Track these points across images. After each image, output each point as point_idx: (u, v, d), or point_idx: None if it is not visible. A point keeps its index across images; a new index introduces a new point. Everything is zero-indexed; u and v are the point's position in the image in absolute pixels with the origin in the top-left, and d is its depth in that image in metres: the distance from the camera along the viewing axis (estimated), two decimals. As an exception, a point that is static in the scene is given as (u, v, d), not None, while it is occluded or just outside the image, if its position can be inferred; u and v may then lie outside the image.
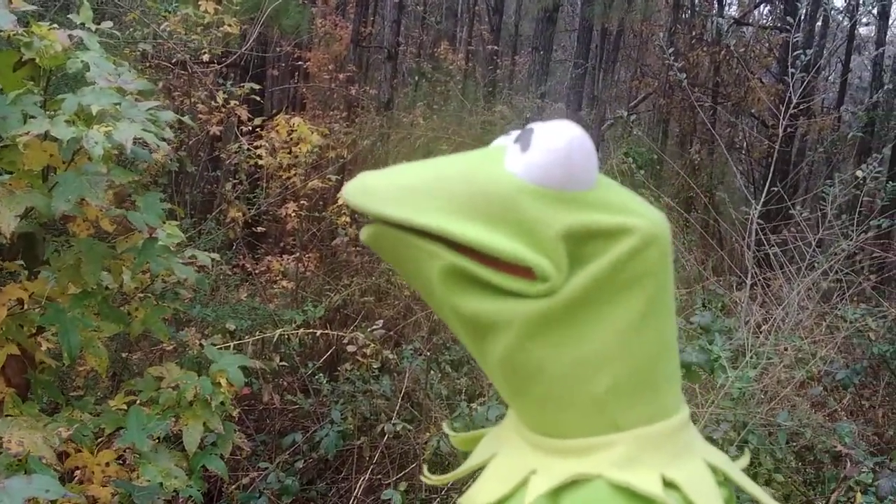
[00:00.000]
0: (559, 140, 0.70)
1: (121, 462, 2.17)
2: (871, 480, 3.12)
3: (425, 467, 0.99)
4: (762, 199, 4.14)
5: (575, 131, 0.70)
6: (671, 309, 0.76)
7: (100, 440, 2.14)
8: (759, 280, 4.17)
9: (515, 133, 0.76)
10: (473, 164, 0.74)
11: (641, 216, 0.72)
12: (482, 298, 0.71)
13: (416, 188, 0.71)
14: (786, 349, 3.70)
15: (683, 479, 0.70)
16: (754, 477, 3.15)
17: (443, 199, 0.70)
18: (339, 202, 5.40)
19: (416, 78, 10.70)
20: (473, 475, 0.86)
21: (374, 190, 0.71)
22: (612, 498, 0.68)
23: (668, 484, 0.69)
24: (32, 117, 1.73)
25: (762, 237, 4.19)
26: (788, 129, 4.86)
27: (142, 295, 2.41)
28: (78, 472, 1.99)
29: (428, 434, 3.65)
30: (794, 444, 3.43)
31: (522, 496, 0.73)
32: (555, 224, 0.69)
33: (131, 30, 4.16)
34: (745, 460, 0.83)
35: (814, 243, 4.16)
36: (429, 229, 0.69)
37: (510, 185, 0.70)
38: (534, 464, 0.75)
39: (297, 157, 4.90)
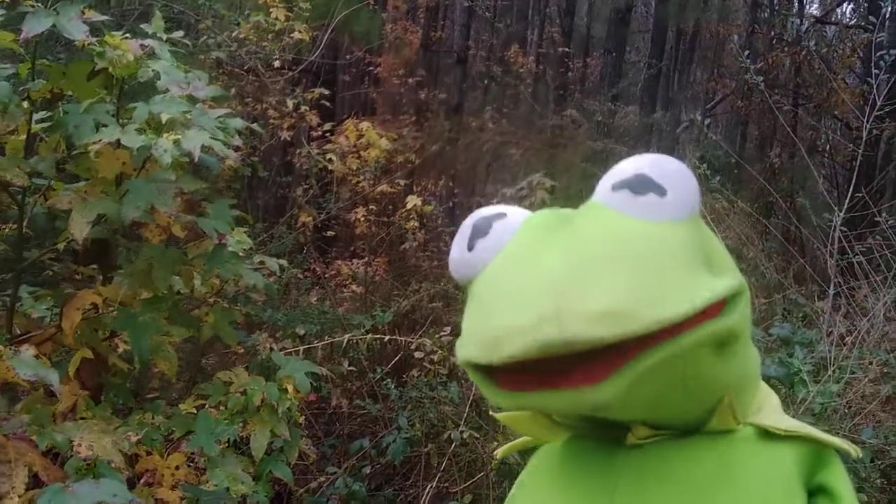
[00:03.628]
0: (683, 170, 0.71)
1: (191, 464, 2.20)
2: (964, 504, 2.95)
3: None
4: (846, 205, 3.97)
5: (678, 161, 0.72)
6: None
7: (171, 444, 2.17)
8: (842, 290, 3.99)
9: (513, 213, 0.75)
10: (635, 232, 0.67)
11: None
12: (724, 345, 0.70)
13: (647, 278, 0.62)
14: (871, 363, 3.52)
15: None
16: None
17: (675, 272, 0.64)
18: (408, 206, 5.42)
19: (486, 81, 10.67)
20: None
21: (617, 304, 0.59)
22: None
23: None
24: (104, 125, 1.76)
25: (846, 245, 4.02)
26: (874, 132, 4.65)
27: (213, 299, 2.44)
28: (147, 474, 2.01)
29: (495, 443, 3.60)
30: (880, 462, 3.25)
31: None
32: (714, 242, 0.73)
33: (205, 37, 4.24)
34: None
35: (902, 251, 3.97)
36: (710, 301, 0.63)
37: (682, 228, 0.68)
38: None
39: (365, 161, 4.92)
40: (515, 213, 0.75)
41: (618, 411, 0.68)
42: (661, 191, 0.68)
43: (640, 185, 0.68)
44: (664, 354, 0.61)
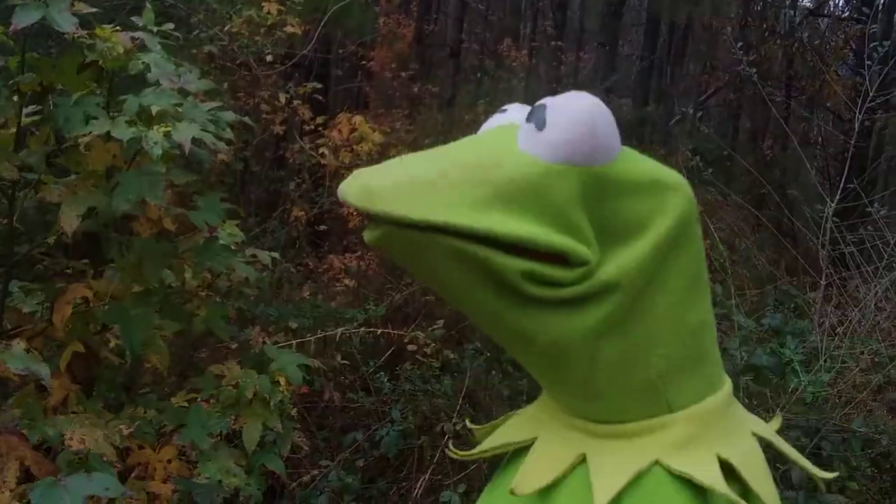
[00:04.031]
0: (580, 113, 0.65)
1: (183, 458, 2.20)
2: (953, 492, 2.97)
3: (451, 444, 1.00)
4: (838, 196, 3.98)
5: (592, 100, 0.66)
6: (706, 275, 0.76)
7: (163, 437, 2.17)
8: (834, 280, 4.01)
9: (513, 110, 0.74)
10: (488, 149, 0.69)
11: (673, 175, 0.72)
12: (523, 295, 0.67)
13: (432, 182, 0.64)
14: (862, 352, 3.54)
15: (737, 459, 0.69)
16: (827, 485, 3.04)
17: (464, 191, 0.64)
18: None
19: (479, 75, 10.64)
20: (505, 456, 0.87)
21: (382, 189, 0.63)
22: (672, 491, 0.67)
23: (724, 463, 0.68)
24: (94, 118, 1.75)
25: (838, 236, 4.02)
26: (865, 123, 4.67)
27: (204, 293, 2.44)
28: (139, 468, 2.01)
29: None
30: (870, 451, 3.27)
31: (576, 481, 0.72)
32: (586, 202, 0.66)
33: (197, 31, 4.23)
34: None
35: (892, 242, 3.98)
36: (454, 227, 0.62)
37: (533, 167, 0.65)
38: (582, 448, 0.73)
39: (358, 155, 4.91)
40: (515, 110, 0.76)
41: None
42: (542, 125, 0.66)
43: (534, 112, 0.68)
44: (406, 234, 0.63)
